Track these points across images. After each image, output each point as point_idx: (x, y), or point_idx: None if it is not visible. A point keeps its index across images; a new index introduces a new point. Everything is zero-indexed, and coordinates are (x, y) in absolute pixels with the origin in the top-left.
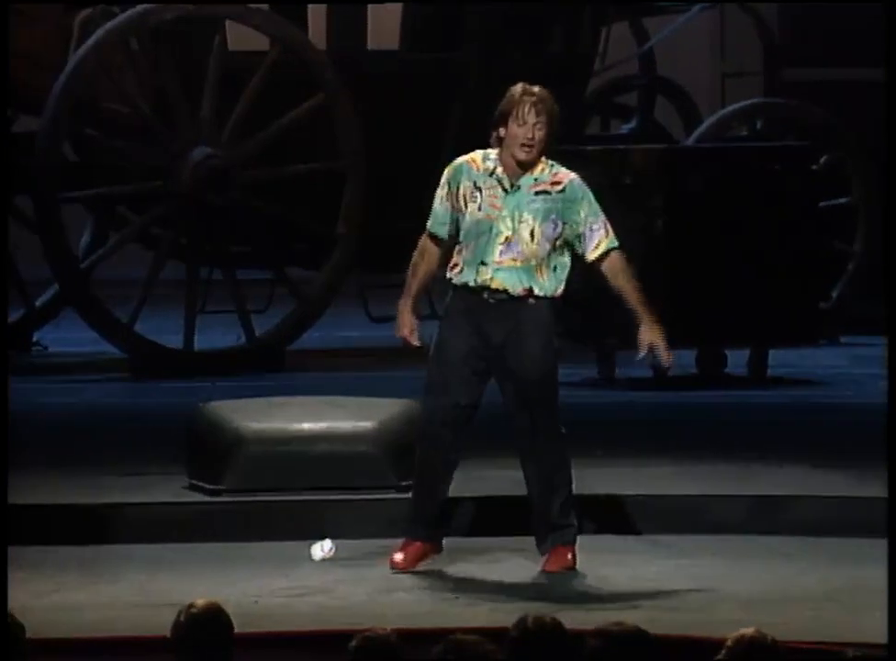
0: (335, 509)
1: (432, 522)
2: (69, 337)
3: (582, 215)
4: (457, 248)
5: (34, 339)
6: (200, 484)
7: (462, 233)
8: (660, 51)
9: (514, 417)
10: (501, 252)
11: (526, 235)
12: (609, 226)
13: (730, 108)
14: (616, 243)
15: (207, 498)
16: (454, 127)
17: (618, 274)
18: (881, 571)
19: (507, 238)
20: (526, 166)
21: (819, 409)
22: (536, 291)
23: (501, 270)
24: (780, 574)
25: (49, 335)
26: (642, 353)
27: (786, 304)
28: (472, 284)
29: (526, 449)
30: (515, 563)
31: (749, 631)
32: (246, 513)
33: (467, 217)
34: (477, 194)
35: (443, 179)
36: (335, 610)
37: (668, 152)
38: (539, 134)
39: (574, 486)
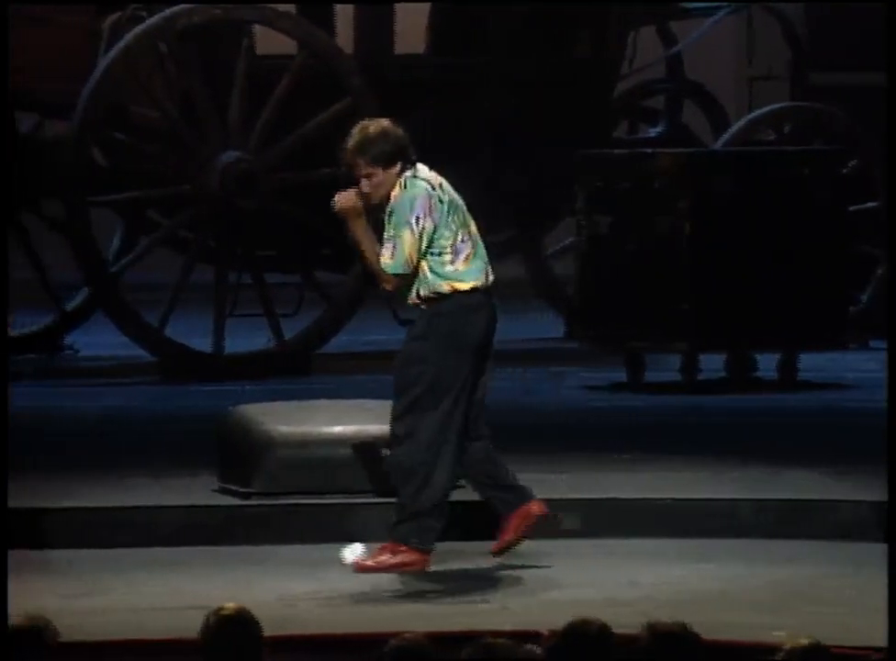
0: (365, 512)
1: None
2: (99, 341)
3: (386, 227)
4: (448, 257)
5: (65, 342)
6: (230, 487)
7: (460, 243)
8: (687, 55)
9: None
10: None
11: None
12: (398, 251)
13: (757, 112)
14: (389, 269)
15: (237, 502)
16: (481, 130)
17: (375, 263)
18: None
19: None
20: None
21: (848, 413)
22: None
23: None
24: (806, 578)
25: (79, 339)
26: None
27: (815, 308)
28: (488, 284)
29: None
30: (544, 566)
31: (806, 639)
32: (276, 516)
33: (460, 233)
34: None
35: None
36: (365, 613)
37: (696, 156)
38: (374, 181)
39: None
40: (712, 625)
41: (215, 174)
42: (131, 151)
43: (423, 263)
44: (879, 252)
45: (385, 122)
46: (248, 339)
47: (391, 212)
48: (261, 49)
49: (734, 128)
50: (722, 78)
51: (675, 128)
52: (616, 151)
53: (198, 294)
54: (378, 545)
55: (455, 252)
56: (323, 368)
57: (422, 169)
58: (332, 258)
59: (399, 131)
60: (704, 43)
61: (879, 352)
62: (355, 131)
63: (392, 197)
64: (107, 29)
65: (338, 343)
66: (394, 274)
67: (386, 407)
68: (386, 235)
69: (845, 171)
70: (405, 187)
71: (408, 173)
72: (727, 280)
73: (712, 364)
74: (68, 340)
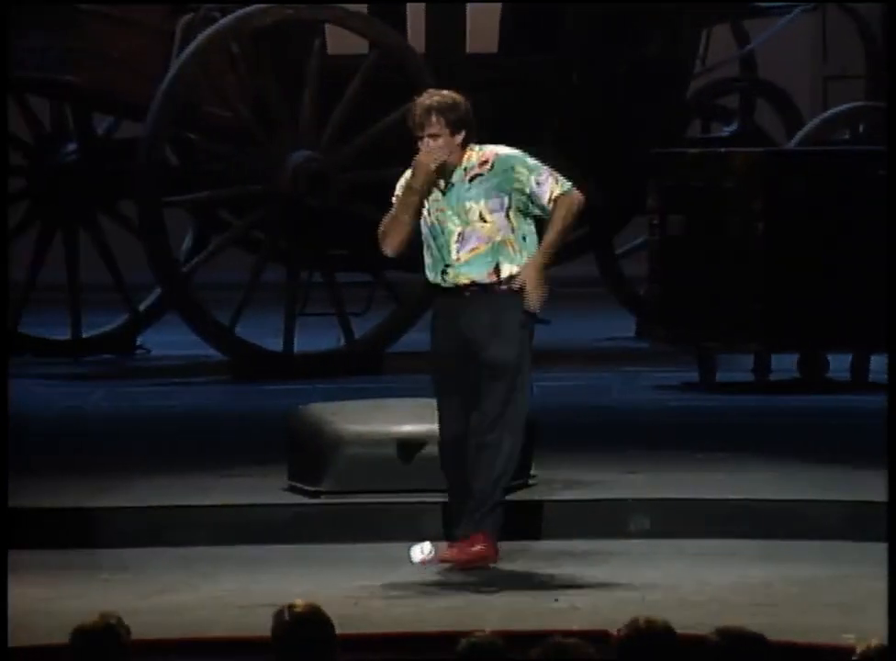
0: (434, 511)
1: (467, 518)
2: (171, 340)
3: (523, 177)
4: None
5: (137, 342)
6: (300, 485)
7: (422, 237)
8: (761, 54)
9: (482, 402)
10: (458, 249)
11: (476, 220)
12: (556, 174)
13: (832, 112)
14: (567, 186)
15: (307, 500)
16: (555, 129)
17: (554, 213)
18: None
19: (459, 234)
20: (453, 164)
21: None
22: (506, 270)
23: (464, 265)
24: (882, 579)
25: (151, 339)
26: (516, 285)
27: (887, 309)
28: (444, 284)
29: (474, 434)
30: (615, 566)
31: (876, 640)
32: (345, 515)
33: (422, 226)
34: (425, 202)
35: (396, 192)
36: (434, 612)
37: (769, 156)
38: (433, 144)
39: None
40: (787, 627)
41: (286, 174)
42: (204, 151)
43: (514, 235)
44: None
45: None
46: (318, 338)
47: (496, 164)
48: (332, 48)
49: (808, 128)
50: (796, 77)
51: (748, 127)
52: (689, 150)
53: (269, 293)
54: (446, 544)
55: None
56: (393, 367)
57: None
58: (402, 257)
59: (469, 105)
60: (778, 42)
61: None
62: (430, 93)
63: (484, 160)
64: (181, 30)
65: (408, 342)
66: (573, 189)
67: None
68: (524, 177)
69: None
70: (483, 150)
71: (479, 145)
72: (799, 280)
73: (784, 364)
74: (140, 340)
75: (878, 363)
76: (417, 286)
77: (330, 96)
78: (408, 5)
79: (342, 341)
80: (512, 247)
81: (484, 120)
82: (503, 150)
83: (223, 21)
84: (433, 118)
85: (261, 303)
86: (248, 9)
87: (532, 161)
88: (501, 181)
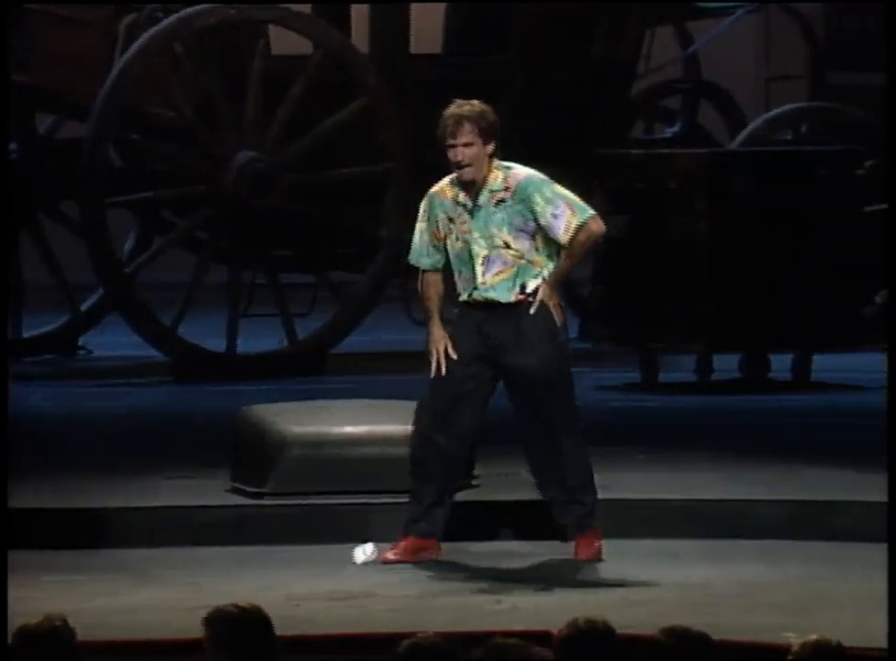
0: (377, 512)
1: (428, 520)
2: (113, 341)
3: (538, 208)
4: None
5: (79, 343)
6: (243, 487)
7: (451, 261)
8: (704, 55)
9: (528, 417)
10: (483, 272)
11: (501, 246)
12: (574, 203)
13: (774, 112)
14: (584, 217)
15: (251, 502)
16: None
17: (576, 241)
18: None
19: (485, 257)
20: (479, 182)
21: (862, 414)
22: (531, 285)
23: (490, 289)
24: (826, 579)
25: (93, 339)
26: (532, 310)
27: (830, 308)
28: (470, 300)
29: (544, 447)
30: (557, 566)
31: (814, 637)
32: (289, 516)
33: (449, 248)
34: (452, 225)
35: (422, 211)
36: (378, 613)
37: (713, 156)
38: (467, 152)
39: (595, 478)
40: (729, 626)
41: (230, 175)
42: (147, 151)
43: (539, 255)
44: None
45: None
46: (262, 339)
47: (517, 190)
48: (276, 49)
49: (751, 128)
50: (739, 78)
51: (691, 128)
52: (633, 151)
53: (213, 294)
54: (388, 544)
55: None
56: (337, 368)
57: None
58: (347, 257)
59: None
60: (721, 43)
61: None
62: (458, 103)
63: (507, 185)
64: (124, 30)
65: (352, 343)
66: (590, 220)
67: (399, 406)
68: (539, 207)
69: (861, 171)
70: (509, 172)
71: (505, 164)
72: (743, 280)
73: (726, 364)
74: (81, 340)
75: (819, 363)
76: (361, 287)
77: (274, 97)
78: (352, 5)
79: (286, 342)
80: (538, 265)
81: (426, 121)
82: (525, 175)
83: (166, 21)
84: (467, 127)
85: (204, 304)
86: (191, 10)
87: (550, 191)
88: (523, 208)
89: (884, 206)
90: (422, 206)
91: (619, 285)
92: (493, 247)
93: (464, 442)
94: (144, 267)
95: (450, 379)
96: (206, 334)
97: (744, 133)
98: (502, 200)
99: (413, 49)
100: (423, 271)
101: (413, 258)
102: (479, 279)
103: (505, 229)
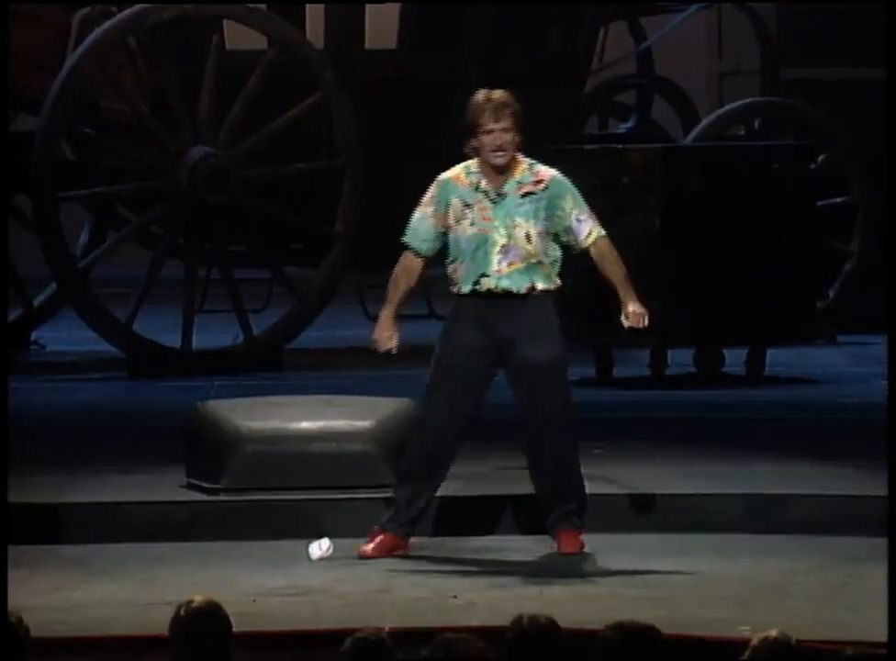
0: (332, 508)
1: (410, 519)
2: (67, 336)
3: (567, 208)
4: (450, 265)
5: (32, 338)
6: (198, 483)
7: (453, 249)
8: (658, 51)
9: (527, 409)
10: (500, 261)
11: (522, 238)
12: (594, 215)
13: (727, 108)
14: (604, 231)
15: (205, 497)
16: (452, 127)
17: (607, 258)
18: (880, 569)
19: (503, 245)
20: (505, 171)
21: (816, 408)
22: (540, 286)
23: (504, 277)
24: (780, 572)
25: (47, 334)
26: (627, 323)
27: (783, 303)
28: (479, 289)
29: (539, 439)
30: (515, 562)
31: (773, 632)
32: (244, 512)
33: (459, 233)
34: (468, 211)
35: (430, 196)
36: (333, 609)
37: (666, 152)
38: (506, 137)
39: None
40: (683, 621)
41: (184, 170)
42: (100, 146)
43: (546, 260)
44: (848, 247)
45: None
46: (217, 335)
47: (551, 186)
48: (231, 44)
49: (704, 124)
50: (691, 74)
51: (645, 123)
52: (586, 146)
53: (167, 289)
54: (350, 541)
55: None
56: (293, 364)
57: None
58: (302, 253)
59: None
60: (674, 39)
61: (847, 347)
62: (489, 91)
63: (540, 179)
64: (77, 25)
65: (307, 339)
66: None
67: (354, 402)
68: (569, 208)
69: (814, 166)
70: (537, 168)
71: (528, 159)
72: (696, 276)
73: (680, 359)
74: (35, 335)
75: (773, 357)
76: (316, 283)
77: (229, 93)
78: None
79: (241, 338)
80: (546, 269)
81: (381, 117)
82: (554, 172)
83: (120, 16)
84: (507, 113)
85: (159, 299)
86: (145, 5)
87: (579, 195)
88: (550, 204)
89: (838, 200)
90: (431, 190)
91: (572, 281)
92: (511, 237)
93: (460, 441)
94: (98, 262)
95: (454, 375)
96: (161, 330)
97: (697, 128)
98: (531, 193)
99: (368, 44)
100: (412, 254)
101: (409, 238)
102: (494, 267)
103: (531, 222)
